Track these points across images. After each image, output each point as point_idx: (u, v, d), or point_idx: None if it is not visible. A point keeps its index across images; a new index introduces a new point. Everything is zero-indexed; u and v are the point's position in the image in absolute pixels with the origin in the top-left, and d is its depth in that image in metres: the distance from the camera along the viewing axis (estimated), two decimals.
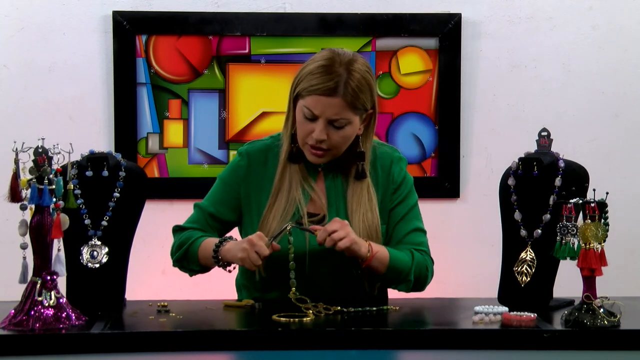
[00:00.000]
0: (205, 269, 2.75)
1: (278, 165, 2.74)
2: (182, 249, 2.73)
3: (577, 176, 2.70)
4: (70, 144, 2.43)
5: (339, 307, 2.51)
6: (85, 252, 2.68)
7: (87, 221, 2.69)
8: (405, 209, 2.77)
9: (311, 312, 2.47)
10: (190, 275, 2.80)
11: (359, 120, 2.67)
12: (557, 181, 2.68)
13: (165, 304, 2.61)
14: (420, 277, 2.71)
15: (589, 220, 2.40)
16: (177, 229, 2.81)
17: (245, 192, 2.77)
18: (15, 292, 2.48)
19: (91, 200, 2.70)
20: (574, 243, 2.43)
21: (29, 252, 2.40)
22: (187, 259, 2.73)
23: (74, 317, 2.38)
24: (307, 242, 2.68)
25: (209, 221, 2.78)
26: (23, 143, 2.38)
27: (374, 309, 2.57)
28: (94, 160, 2.71)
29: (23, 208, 2.38)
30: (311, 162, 2.72)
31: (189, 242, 2.72)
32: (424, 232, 2.81)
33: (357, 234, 2.61)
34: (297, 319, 2.40)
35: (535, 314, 2.41)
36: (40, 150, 2.37)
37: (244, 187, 2.77)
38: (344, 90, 2.60)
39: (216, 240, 2.67)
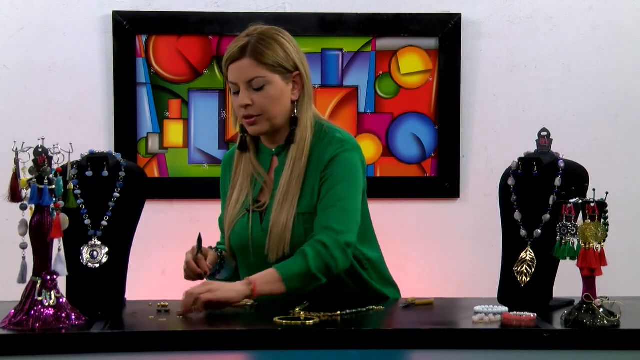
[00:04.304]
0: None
1: (234, 159, 2.82)
2: None
3: (577, 176, 2.70)
4: (70, 144, 2.43)
5: (339, 312, 2.50)
6: (85, 252, 2.69)
7: (87, 221, 2.69)
8: (329, 186, 2.67)
9: (313, 314, 2.47)
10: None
11: (283, 81, 2.70)
12: (557, 181, 2.68)
13: (166, 304, 2.62)
14: (328, 265, 2.60)
15: (589, 220, 2.40)
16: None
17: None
18: (15, 292, 2.48)
19: (91, 200, 2.70)
20: (573, 243, 2.43)
21: (29, 252, 2.40)
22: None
23: (74, 317, 2.38)
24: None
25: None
26: (23, 143, 2.38)
27: (364, 309, 2.57)
28: (94, 160, 2.71)
29: (23, 208, 2.38)
30: (265, 150, 2.78)
31: None
32: (346, 209, 2.66)
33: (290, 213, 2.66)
34: (299, 321, 2.40)
35: (535, 314, 2.41)
36: (40, 150, 2.37)
37: (227, 190, 2.85)
38: (250, 50, 2.67)
39: None
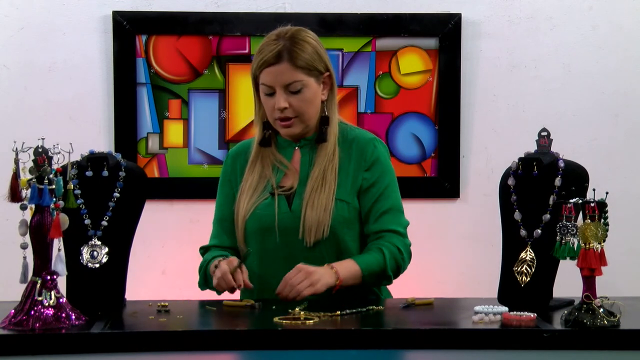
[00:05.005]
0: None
1: (252, 152, 2.84)
2: (201, 273, 2.83)
3: (577, 176, 2.70)
4: (70, 144, 2.43)
5: (339, 312, 2.50)
6: (85, 252, 2.68)
7: (87, 221, 2.69)
8: (379, 190, 2.81)
9: (313, 314, 2.46)
10: (219, 294, 2.81)
11: (316, 83, 2.76)
12: (557, 181, 2.68)
13: (166, 304, 2.61)
14: (397, 266, 2.79)
15: (589, 220, 2.40)
16: (201, 251, 2.90)
17: (235, 186, 2.86)
18: (15, 292, 2.48)
19: (91, 200, 2.70)
20: (573, 243, 2.43)
21: (29, 252, 2.40)
22: (208, 282, 2.79)
23: (74, 317, 2.38)
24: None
25: (225, 227, 2.85)
26: (23, 143, 2.38)
27: (364, 309, 2.56)
28: (94, 160, 2.71)
29: (23, 208, 2.38)
30: (286, 143, 2.82)
31: (205, 264, 2.82)
32: (399, 210, 2.84)
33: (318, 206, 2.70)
34: (299, 321, 2.40)
35: (535, 314, 2.40)
36: (40, 150, 2.37)
37: (233, 182, 2.86)
38: (287, 54, 2.72)
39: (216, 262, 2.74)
